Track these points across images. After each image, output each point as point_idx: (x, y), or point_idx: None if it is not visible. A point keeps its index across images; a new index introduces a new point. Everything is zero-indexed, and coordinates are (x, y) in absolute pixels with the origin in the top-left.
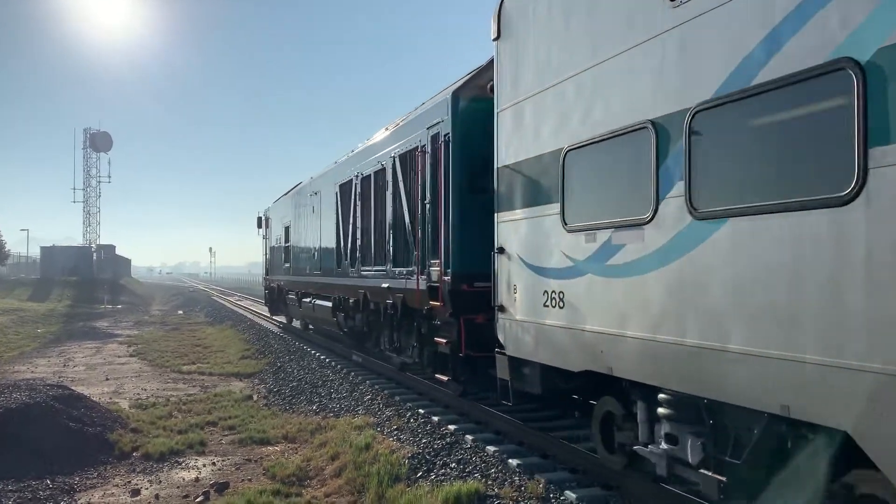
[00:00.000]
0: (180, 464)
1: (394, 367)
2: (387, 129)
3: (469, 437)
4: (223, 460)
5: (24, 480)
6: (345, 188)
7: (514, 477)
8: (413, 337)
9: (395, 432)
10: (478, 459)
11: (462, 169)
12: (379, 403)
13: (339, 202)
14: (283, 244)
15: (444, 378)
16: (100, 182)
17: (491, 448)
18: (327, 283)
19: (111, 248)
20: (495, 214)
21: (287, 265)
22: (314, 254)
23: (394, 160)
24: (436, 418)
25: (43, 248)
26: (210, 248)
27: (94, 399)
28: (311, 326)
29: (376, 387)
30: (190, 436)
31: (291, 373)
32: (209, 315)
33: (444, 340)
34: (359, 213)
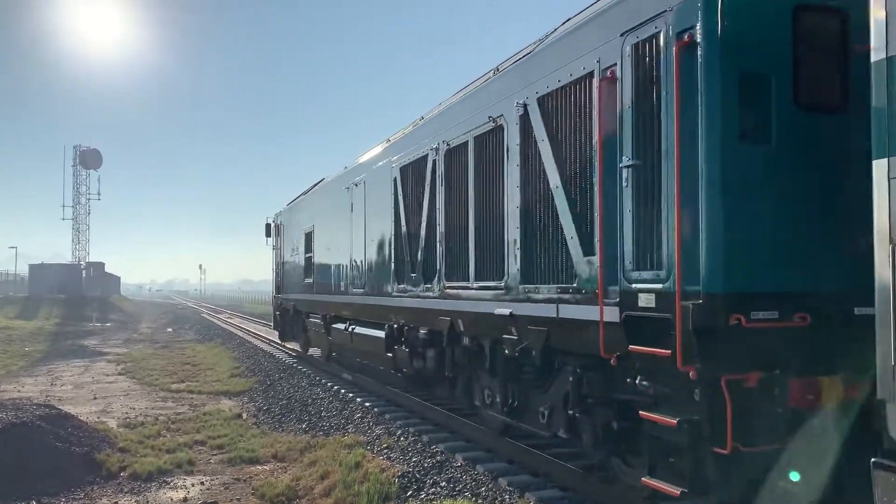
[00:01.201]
0: (168, 483)
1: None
2: (497, 70)
3: (459, 456)
4: (212, 480)
5: (8, 502)
6: (413, 170)
7: (504, 495)
8: (566, 399)
9: (385, 451)
10: (468, 478)
11: (731, 95)
12: (369, 422)
13: (399, 192)
14: (301, 255)
15: (675, 491)
16: (89, 199)
17: (481, 467)
18: (378, 304)
19: (100, 265)
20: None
21: (308, 281)
22: (353, 265)
23: (525, 108)
24: (426, 437)
25: (31, 266)
26: (200, 266)
27: (82, 418)
28: (333, 353)
29: (366, 405)
30: (178, 455)
31: (281, 391)
32: (199, 333)
33: (676, 421)
34: (440, 203)
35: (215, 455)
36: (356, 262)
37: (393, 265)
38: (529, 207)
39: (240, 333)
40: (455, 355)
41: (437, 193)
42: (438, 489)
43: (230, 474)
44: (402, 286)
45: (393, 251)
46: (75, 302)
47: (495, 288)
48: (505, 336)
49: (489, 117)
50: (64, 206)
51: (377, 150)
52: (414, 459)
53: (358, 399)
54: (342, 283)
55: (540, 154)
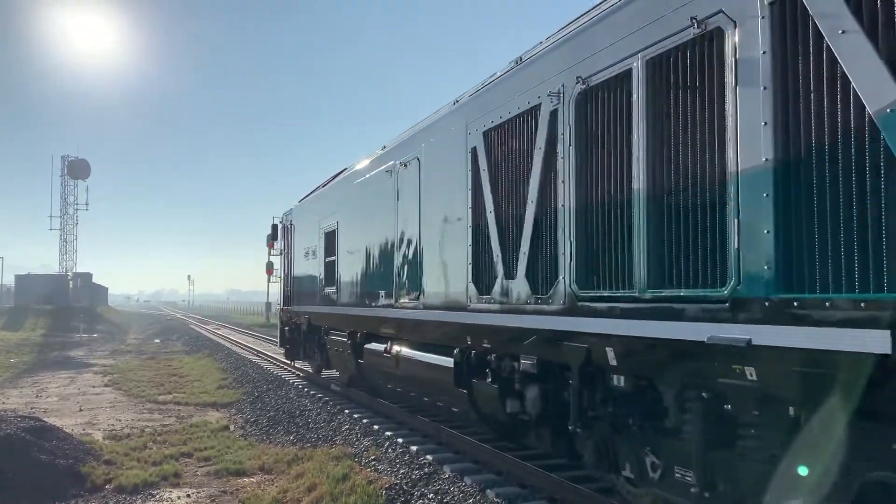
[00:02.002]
0: (154, 496)
1: None
2: None
3: (447, 468)
4: (198, 492)
5: None
6: (507, 132)
7: None
8: None
9: (373, 462)
10: (456, 490)
11: None
12: (357, 433)
13: (480, 165)
14: (319, 259)
15: None
16: (77, 210)
17: (469, 479)
18: (444, 321)
19: (88, 275)
20: None
21: (329, 290)
22: (401, 269)
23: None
24: (414, 448)
25: (17, 277)
26: (189, 276)
27: (67, 430)
28: (358, 379)
29: (355, 416)
30: (164, 467)
31: (269, 402)
32: (186, 344)
33: None
34: (567, 169)
35: (202, 467)
36: (405, 265)
37: (471, 267)
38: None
39: (228, 345)
40: (589, 400)
41: (558, 157)
42: (426, 501)
43: (217, 486)
44: (488, 297)
45: (471, 247)
46: (62, 313)
47: (706, 299)
48: (724, 380)
49: (691, 18)
50: (51, 217)
51: (435, 118)
52: (402, 471)
53: (346, 410)
54: (382, 293)
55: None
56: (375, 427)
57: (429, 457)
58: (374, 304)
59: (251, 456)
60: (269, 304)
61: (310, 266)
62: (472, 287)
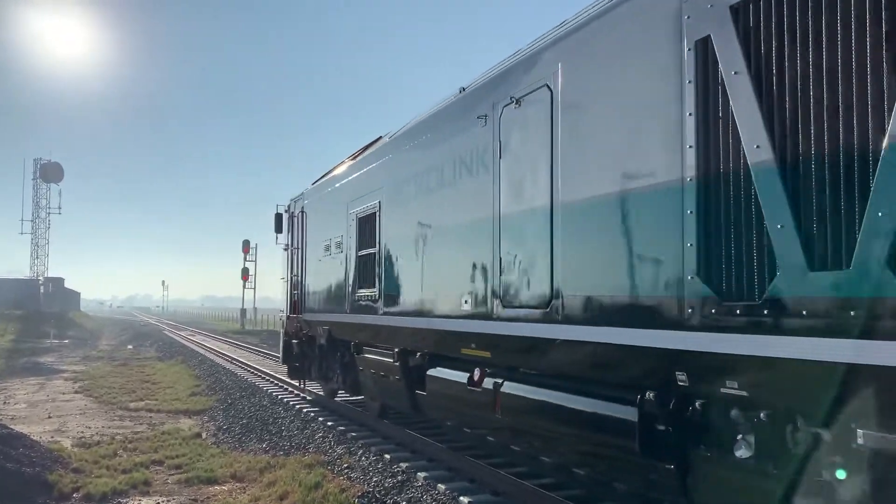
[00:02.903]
0: None
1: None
2: None
3: (421, 475)
4: (168, 500)
5: None
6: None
7: None
8: None
9: (346, 470)
10: (429, 498)
11: None
12: (330, 441)
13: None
14: (347, 253)
15: None
16: (49, 213)
17: (442, 486)
18: (622, 345)
19: (59, 280)
20: None
21: (365, 294)
22: (512, 262)
23: None
24: (388, 456)
25: None
26: (163, 282)
27: (34, 438)
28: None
29: (328, 424)
30: (134, 475)
31: (242, 410)
32: (159, 350)
33: None
34: None
35: (173, 475)
36: (518, 256)
37: (695, 251)
38: None
39: (201, 351)
40: None
41: None
42: None
43: (187, 495)
44: (746, 305)
45: (698, 220)
46: (32, 318)
47: None
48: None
49: None
50: (23, 220)
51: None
52: (375, 479)
53: (320, 418)
54: (467, 298)
55: None
56: (349, 435)
57: (403, 464)
58: (447, 313)
59: (223, 464)
60: (244, 311)
61: (332, 263)
62: (696, 285)
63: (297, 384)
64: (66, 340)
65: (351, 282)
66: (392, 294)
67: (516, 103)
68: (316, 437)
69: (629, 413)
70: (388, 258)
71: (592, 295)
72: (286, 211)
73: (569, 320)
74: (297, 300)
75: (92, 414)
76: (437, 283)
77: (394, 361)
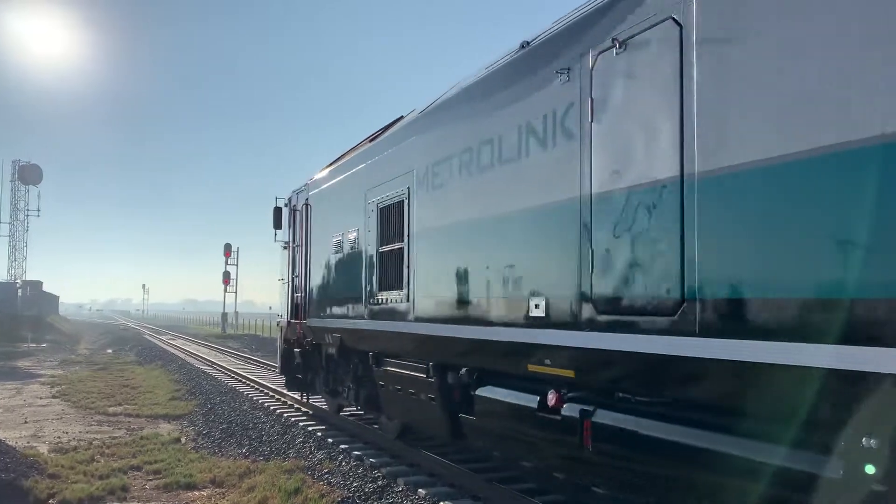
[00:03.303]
0: None
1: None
2: None
3: (401, 480)
4: None
5: None
6: None
7: None
8: None
9: (326, 476)
10: (409, 503)
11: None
12: (311, 446)
13: None
14: (367, 248)
15: None
16: (28, 216)
17: (423, 491)
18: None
19: (38, 284)
20: None
21: (388, 297)
22: (611, 254)
23: None
24: (368, 461)
25: None
26: (143, 285)
27: (10, 443)
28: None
29: (309, 429)
30: (112, 481)
31: (222, 414)
32: (139, 354)
33: None
34: None
35: (151, 480)
36: (621, 245)
37: None
38: None
39: (182, 355)
40: None
41: None
42: None
43: (166, 500)
44: None
45: None
46: (9, 321)
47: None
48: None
49: None
50: (0, 223)
51: None
52: (355, 485)
53: (301, 423)
54: (539, 301)
55: None
56: (330, 440)
57: (383, 469)
58: (507, 320)
59: (202, 469)
60: (224, 315)
61: (344, 261)
62: None
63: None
64: (43, 344)
65: (370, 283)
66: (427, 297)
67: (620, 47)
68: (296, 442)
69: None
70: (422, 254)
71: (768, 298)
72: (286, 205)
73: (713, 332)
74: (300, 304)
75: (69, 419)
76: (491, 283)
77: (427, 377)
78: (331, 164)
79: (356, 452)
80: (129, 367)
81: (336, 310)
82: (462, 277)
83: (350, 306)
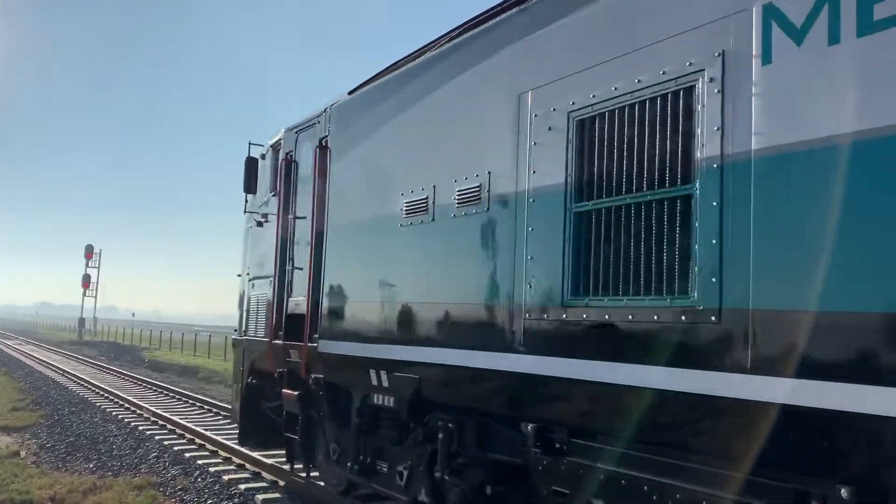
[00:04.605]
0: None
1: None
2: None
3: (260, 498)
4: None
5: None
6: None
7: None
8: None
9: (180, 493)
10: None
11: None
12: (165, 461)
13: None
14: (521, 211)
15: None
16: None
17: None
18: None
19: None
20: None
21: (615, 310)
22: None
23: None
24: (226, 477)
25: None
26: None
27: None
28: None
29: (165, 443)
30: None
31: (70, 427)
32: None
33: None
34: None
35: None
36: None
37: None
38: None
39: (30, 362)
40: None
41: None
42: None
43: None
44: None
45: None
46: None
47: None
48: None
49: None
50: None
51: None
52: (209, 502)
53: (157, 437)
54: None
55: None
56: (187, 455)
57: (241, 486)
58: None
59: (42, 485)
60: (82, 320)
61: (439, 237)
62: None
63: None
64: None
65: (545, 275)
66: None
67: None
68: (150, 457)
69: None
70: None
71: None
72: (262, 156)
73: None
74: (305, 314)
75: None
76: None
77: None
78: (381, 75)
79: (213, 469)
80: None
81: (403, 328)
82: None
83: (454, 324)
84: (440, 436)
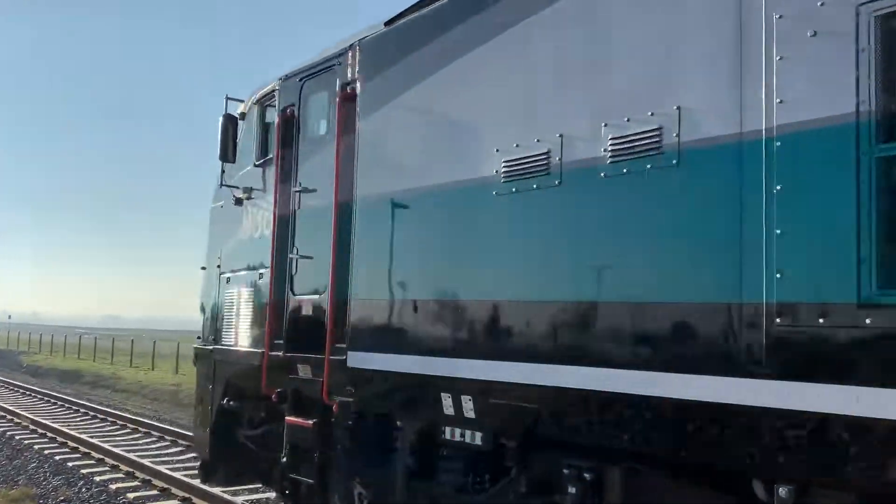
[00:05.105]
0: None
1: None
2: None
3: None
4: None
5: None
6: None
7: None
8: None
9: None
10: None
11: None
12: (46, 471)
13: None
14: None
15: None
16: None
17: None
18: None
19: None
20: None
21: None
22: None
23: None
24: (114, 486)
25: None
26: None
27: None
28: None
29: (45, 452)
30: None
31: None
32: None
33: None
34: None
35: None
36: None
37: None
38: None
39: None
40: None
41: None
42: None
43: None
44: None
45: None
46: None
47: None
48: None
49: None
50: None
51: None
52: None
53: (36, 446)
54: None
55: None
56: (70, 465)
57: (130, 495)
58: None
59: None
60: None
61: (593, 210)
62: None
63: None
64: None
65: (787, 260)
66: None
67: None
68: (29, 468)
69: None
70: None
71: None
72: (249, 114)
73: None
74: (332, 316)
75: None
76: None
77: None
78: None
79: (99, 478)
80: None
81: (505, 338)
82: None
83: (607, 333)
84: (571, 490)
